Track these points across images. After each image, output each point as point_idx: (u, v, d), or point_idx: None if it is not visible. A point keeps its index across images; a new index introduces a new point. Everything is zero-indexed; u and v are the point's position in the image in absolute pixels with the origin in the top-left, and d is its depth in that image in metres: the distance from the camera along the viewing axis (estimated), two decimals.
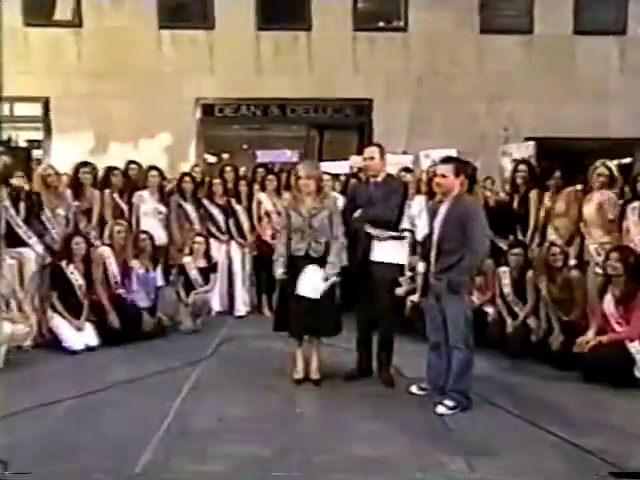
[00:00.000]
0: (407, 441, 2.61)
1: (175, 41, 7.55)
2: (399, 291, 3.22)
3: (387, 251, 3.24)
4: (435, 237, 3.01)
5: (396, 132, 7.39)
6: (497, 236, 4.28)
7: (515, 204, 4.34)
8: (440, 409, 2.91)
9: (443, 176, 2.96)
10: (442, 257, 2.95)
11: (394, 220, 3.25)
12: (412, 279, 4.46)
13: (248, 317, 4.92)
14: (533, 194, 4.26)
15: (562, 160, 4.28)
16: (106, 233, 4.39)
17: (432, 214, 3.07)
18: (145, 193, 4.83)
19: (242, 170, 5.91)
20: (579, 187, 4.06)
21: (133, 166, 5.05)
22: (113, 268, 4.16)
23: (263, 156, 5.75)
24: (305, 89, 7.54)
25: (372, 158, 3.31)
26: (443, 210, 2.98)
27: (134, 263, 4.37)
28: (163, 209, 4.86)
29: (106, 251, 4.19)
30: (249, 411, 2.93)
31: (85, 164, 4.74)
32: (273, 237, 4.94)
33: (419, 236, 4.65)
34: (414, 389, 3.19)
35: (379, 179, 3.31)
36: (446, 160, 3.10)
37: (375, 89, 7.63)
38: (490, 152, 6.31)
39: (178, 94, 7.41)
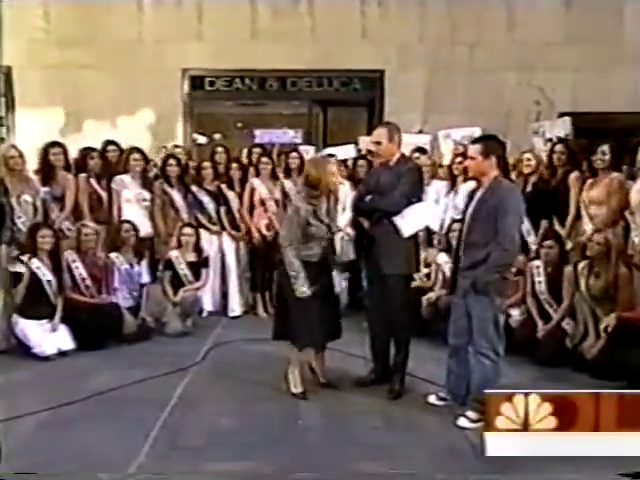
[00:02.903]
0: (424, 457, 2.64)
1: (158, 3, 7.53)
2: (417, 282, 3.20)
3: (412, 219, 3.18)
4: (464, 227, 3.01)
5: (411, 108, 7.34)
6: (530, 225, 4.29)
7: (552, 188, 4.31)
8: (462, 422, 2.93)
9: (471, 158, 2.97)
10: (469, 251, 2.94)
11: (399, 212, 3.19)
12: (427, 276, 4.51)
13: (243, 318, 4.94)
14: (572, 177, 4.24)
15: (604, 139, 4.24)
16: (72, 234, 4.41)
17: (468, 201, 3.08)
18: (126, 178, 4.84)
19: (243, 153, 5.91)
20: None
21: (112, 147, 5.06)
22: (81, 272, 4.18)
23: (262, 136, 5.72)
24: (307, 59, 7.48)
25: (378, 143, 3.29)
26: (477, 197, 2.97)
27: (115, 257, 4.40)
28: (147, 196, 4.89)
29: (71, 255, 4.21)
30: (245, 423, 2.95)
31: (55, 144, 4.75)
32: (268, 228, 4.99)
33: (436, 226, 4.69)
34: (432, 399, 3.21)
35: (390, 163, 3.30)
36: (476, 140, 3.11)
37: (387, 59, 7.57)
38: (519, 130, 6.27)
39: (162, 64, 7.37)
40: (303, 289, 3.13)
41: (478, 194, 2.98)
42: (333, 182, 3.23)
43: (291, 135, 5.62)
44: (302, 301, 3.14)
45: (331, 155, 5.27)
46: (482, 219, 2.89)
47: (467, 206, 3.05)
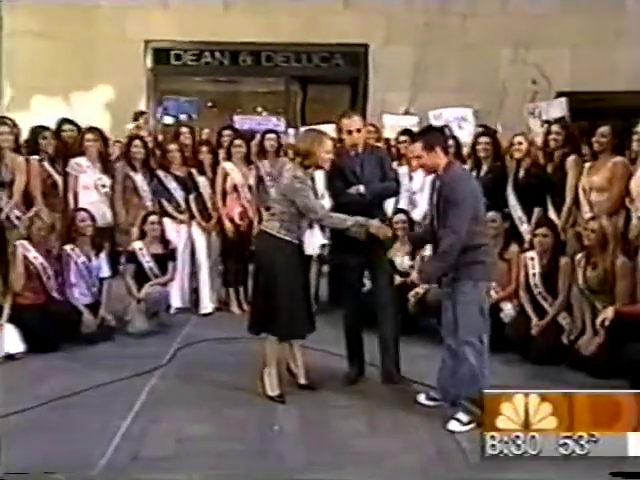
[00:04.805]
0: (413, 463, 2.65)
1: None
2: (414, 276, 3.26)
3: None
4: (431, 221, 3.18)
5: (397, 86, 7.39)
6: (523, 212, 4.33)
7: (549, 173, 4.34)
8: (452, 425, 2.95)
9: (417, 157, 3.10)
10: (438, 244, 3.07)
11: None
12: (412, 268, 4.54)
13: (215, 315, 4.94)
14: (570, 161, 4.27)
15: (605, 120, 4.28)
16: (24, 224, 4.32)
17: (431, 192, 3.21)
18: (83, 161, 4.76)
19: (205, 133, 5.85)
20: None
21: (68, 127, 4.97)
22: (37, 262, 4.10)
23: (241, 123, 5.69)
24: (284, 32, 7.45)
25: (359, 130, 3.45)
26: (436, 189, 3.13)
27: (70, 249, 4.32)
28: (107, 182, 4.81)
29: (24, 245, 4.13)
30: (216, 430, 2.94)
31: (2, 122, 4.63)
32: (242, 217, 4.97)
33: (418, 215, 4.72)
34: (422, 399, 3.25)
35: (360, 149, 3.49)
36: (414, 139, 3.24)
37: (372, 32, 7.58)
38: (514, 111, 6.33)
39: (121, 35, 7.26)
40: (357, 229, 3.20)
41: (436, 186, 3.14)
42: (323, 159, 3.24)
43: (273, 122, 5.61)
44: (288, 290, 3.18)
45: None
46: (439, 211, 3.03)
47: (431, 198, 3.16)
